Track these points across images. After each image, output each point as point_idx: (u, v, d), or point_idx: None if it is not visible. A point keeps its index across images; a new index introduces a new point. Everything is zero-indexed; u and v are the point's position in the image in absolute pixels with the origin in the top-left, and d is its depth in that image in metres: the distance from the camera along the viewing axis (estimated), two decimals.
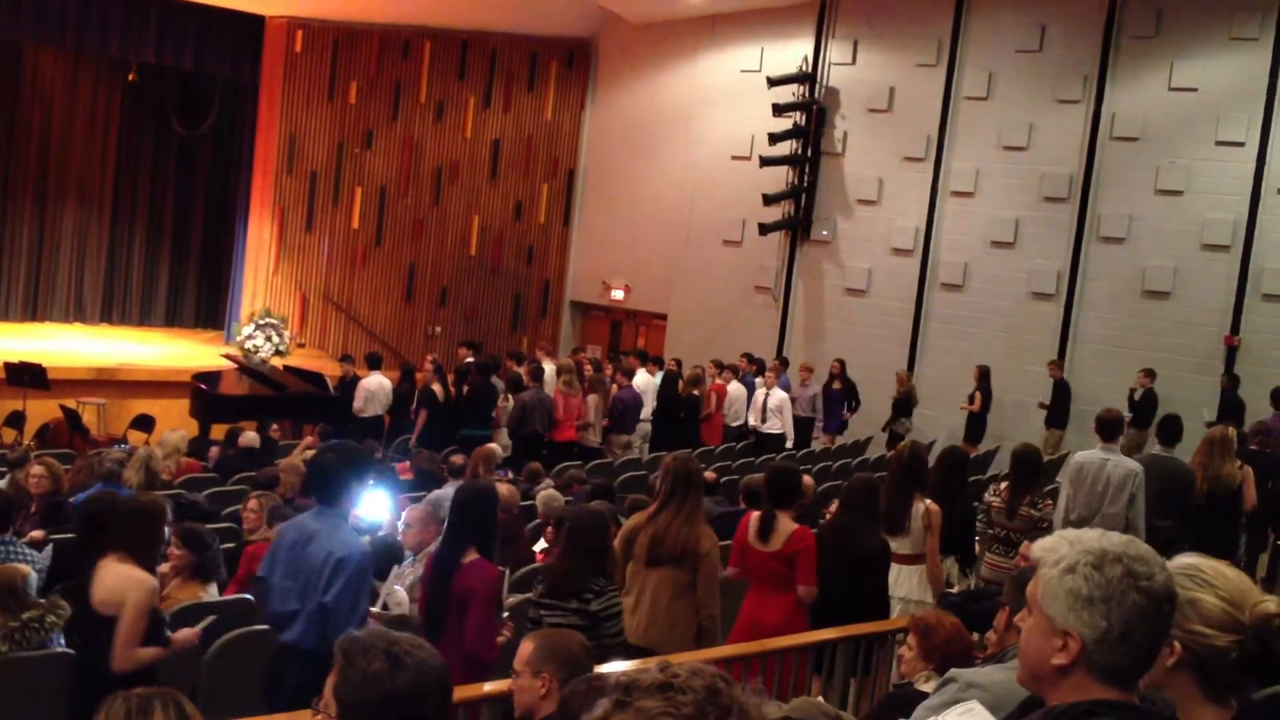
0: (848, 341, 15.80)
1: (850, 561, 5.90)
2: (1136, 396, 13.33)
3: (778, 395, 13.58)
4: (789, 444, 13.36)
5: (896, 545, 6.36)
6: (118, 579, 4.57)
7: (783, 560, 5.83)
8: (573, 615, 4.92)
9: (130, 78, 18.51)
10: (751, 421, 13.64)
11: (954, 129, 15.45)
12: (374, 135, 18.56)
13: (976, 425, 14.20)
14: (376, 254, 18.76)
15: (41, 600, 4.74)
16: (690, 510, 5.65)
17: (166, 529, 5.16)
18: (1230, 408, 12.55)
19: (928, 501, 6.56)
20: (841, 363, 14.95)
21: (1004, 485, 7.12)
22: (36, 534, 6.61)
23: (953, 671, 3.18)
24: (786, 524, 5.90)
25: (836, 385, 14.93)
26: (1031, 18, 14.87)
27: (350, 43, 18.21)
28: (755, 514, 6.02)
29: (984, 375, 14.24)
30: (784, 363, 15.29)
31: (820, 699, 4.05)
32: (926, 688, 3.87)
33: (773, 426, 13.47)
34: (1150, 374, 13.37)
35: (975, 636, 4.35)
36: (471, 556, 4.89)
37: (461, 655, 4.65)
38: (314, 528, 4.66)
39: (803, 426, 14.24)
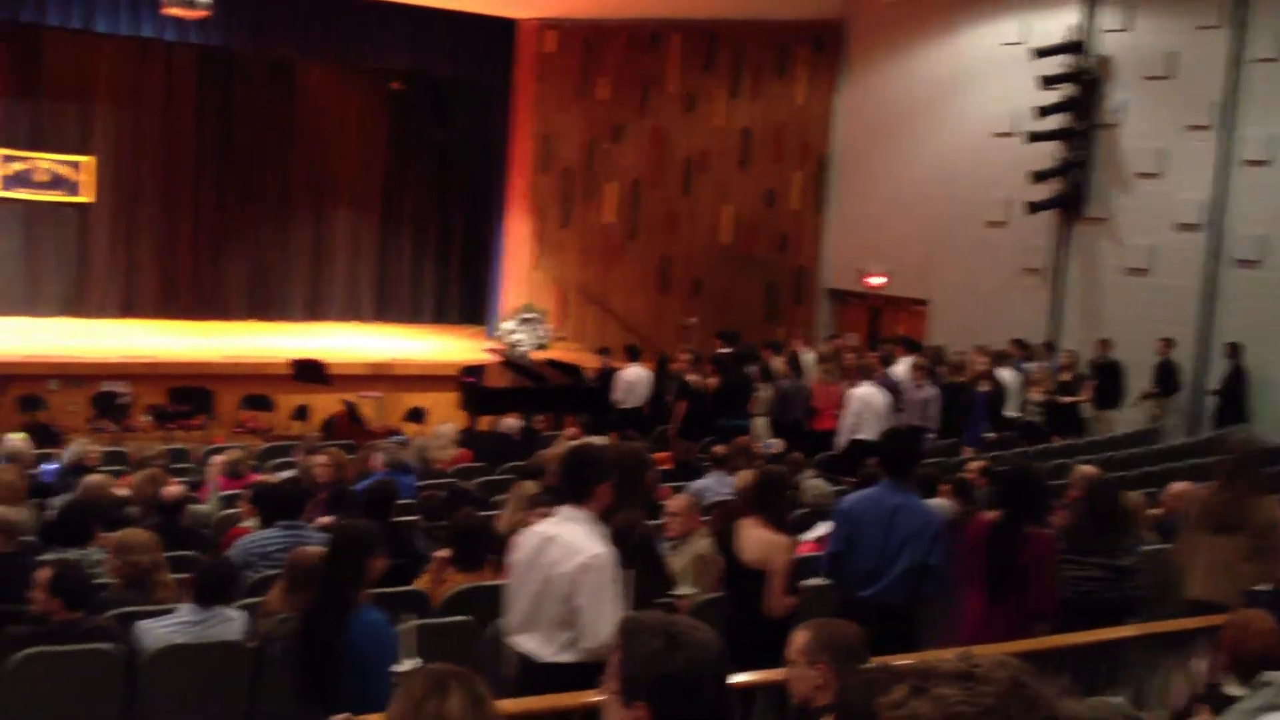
0: (1127, 324, 14.71)
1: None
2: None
3: (868, 395, 11.04)
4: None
5: None
6: (759, 542, 5.37)
7: None
8: (1095, 569, 5.71)
9: (393, 86, 19.40)
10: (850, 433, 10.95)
11: (1245, 93, 14.11)
12: (624, 130, 18.71)
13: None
14: (630, 247, 18.93)
15: None
16: (1249, 484, 6.16)
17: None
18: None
19: None
20: (992, 358, 12.81)
21: None
22: (324, 519, 6.89)
23: (1269, 675, 3.10)
24: None
25: (985, 387, 12.30)
26: None
27: (599, 40, 18.43)
28: None
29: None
30: (1049, 348, 14.43)
31: (1121, 699, 3.89)
32: (1237, 692, 3.69)
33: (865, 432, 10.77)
34: (1170, 343, 13.55)
35: None
36: (1031, 528, 5.44)
37: (1030, 615, 5.32)
38: (893, 501, 5.44)
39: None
